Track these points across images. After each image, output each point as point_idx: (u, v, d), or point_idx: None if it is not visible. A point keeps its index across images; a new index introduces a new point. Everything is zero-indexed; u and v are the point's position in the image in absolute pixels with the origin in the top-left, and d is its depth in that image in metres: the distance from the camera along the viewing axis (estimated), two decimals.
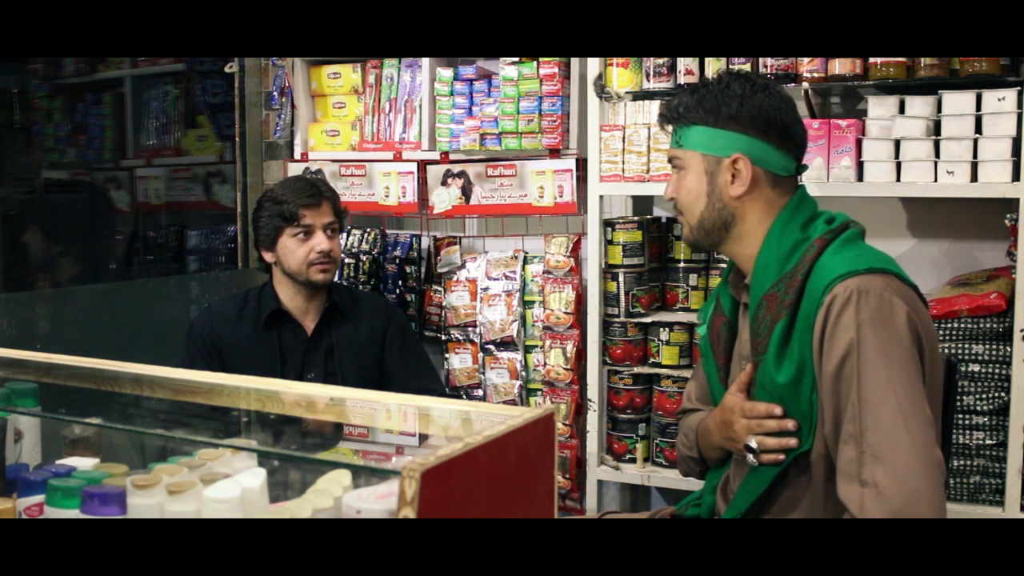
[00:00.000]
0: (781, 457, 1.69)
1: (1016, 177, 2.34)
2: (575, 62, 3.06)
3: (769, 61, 2.61)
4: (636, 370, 2.91)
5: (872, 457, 1.53)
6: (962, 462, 2.43)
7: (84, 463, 1.45)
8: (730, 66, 2.65)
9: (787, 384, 1.67)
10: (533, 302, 3.19)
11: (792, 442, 1.68)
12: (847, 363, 1.58)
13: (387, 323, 2.75)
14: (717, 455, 1.89)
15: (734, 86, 1.76)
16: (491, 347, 3.21)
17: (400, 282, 3.37)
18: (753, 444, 1.71)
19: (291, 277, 2.63)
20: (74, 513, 1.29)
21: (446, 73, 3.23)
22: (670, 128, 1.85)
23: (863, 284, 1.60)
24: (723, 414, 1.80)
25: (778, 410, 1.69)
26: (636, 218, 2.92)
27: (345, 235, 3.44)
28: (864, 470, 1.53)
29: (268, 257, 2.66)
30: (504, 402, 3.15)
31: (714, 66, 2.67)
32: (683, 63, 2.73)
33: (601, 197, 2.89)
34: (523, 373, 3.18)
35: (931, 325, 1.68)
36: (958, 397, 2.33)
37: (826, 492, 1.66)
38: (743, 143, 1.75)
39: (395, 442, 1.55)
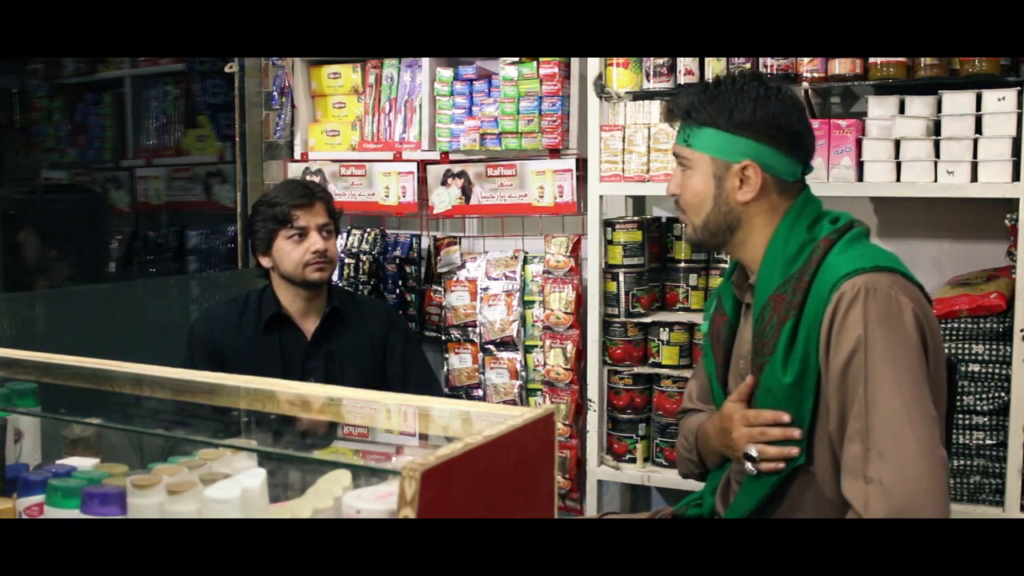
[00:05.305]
0: (781, 466, 1.69)
1: (1016, 177, 2.34)
2: (575, 62, 3.06)
3: (769, 61, 2.61)
4: (636, 370, 2.91)
5: (877, 454, 1.53)
6: (962, 462, 2.43)
7: (84, 463, 1.45)
8: (730, 66, 2.64)
9: (792, 384, 1.66)
10: (533, 302, 3.18)
11: (794, 451, 1.67)
12: (854, 360, 1.58)
13: (389, 329, 2.74)
14: (716, 459, 1.89)
15: (748, 89, 1.72)
16: (491, 347, 3.21)
17: (400, 282, 3.37)
18: (753, 452, 1.70)
19: (288, 279, 2.62)
20: (74, 513, 1.29)
21: (446, 73, 3.23)
22: (676, 123, 1.82)
23: (871, 282, 1.60)
24: (722, 421, 1.79)
25: (786, 417, 1.68)
26: (636, 218, 2.92)
27: (345, 235, 3.44)
28: (869, 467, 1.53)
29: (265, 262, 2.65)
30: (504, 402, 3.15)
31: (714, 66, 2.67)
32: (683, 63, 2.73)
33: (601, 197, 2.88)
34: (523, 373, 3.18)
35: (935, 324, 1.68)
36: (958, 397, 2.33)
37: (831, 496, 1.65)
38: (754, 150, 1.72)
39: (395, 442, 1.55)
